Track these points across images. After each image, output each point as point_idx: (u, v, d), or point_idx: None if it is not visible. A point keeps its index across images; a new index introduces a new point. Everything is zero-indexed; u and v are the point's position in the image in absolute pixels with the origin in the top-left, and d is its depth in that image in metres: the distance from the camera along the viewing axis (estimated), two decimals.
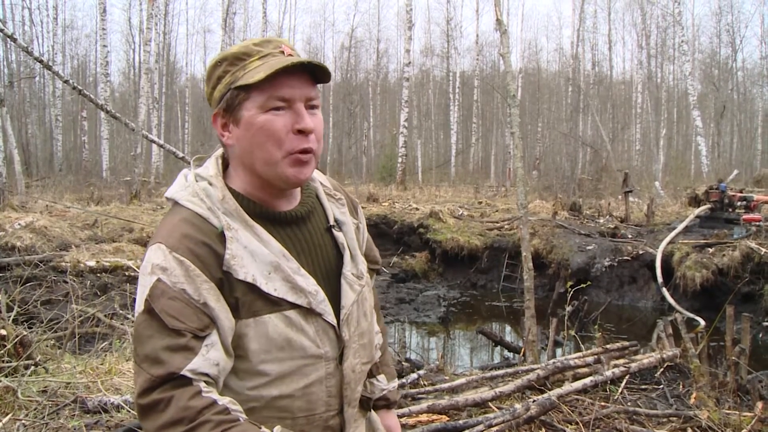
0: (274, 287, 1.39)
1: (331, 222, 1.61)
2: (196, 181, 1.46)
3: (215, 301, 1.33)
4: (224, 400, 1.29)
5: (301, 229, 1.52)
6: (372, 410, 1.80)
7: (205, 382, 1.29)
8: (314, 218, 1.57)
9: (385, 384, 1.84)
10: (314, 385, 1.46)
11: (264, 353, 1.38)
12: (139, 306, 1.34)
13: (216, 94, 1.46)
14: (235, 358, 1.38)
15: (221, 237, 1.38)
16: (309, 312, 1.44)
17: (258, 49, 1.44)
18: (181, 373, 1.26)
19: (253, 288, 1.38)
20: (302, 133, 1.42)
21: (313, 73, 1.46)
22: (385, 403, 1.85)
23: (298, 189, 1.57)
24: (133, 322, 1.41)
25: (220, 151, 1.55)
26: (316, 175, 1.67)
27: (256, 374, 1.40)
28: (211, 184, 1.45)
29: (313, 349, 1.44)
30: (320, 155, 1.50)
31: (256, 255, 1.40)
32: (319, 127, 1.47)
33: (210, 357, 1.30)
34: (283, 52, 1.45)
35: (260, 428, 1.28)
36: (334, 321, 1.48)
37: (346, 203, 1.70)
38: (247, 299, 1.37)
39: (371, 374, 1.80)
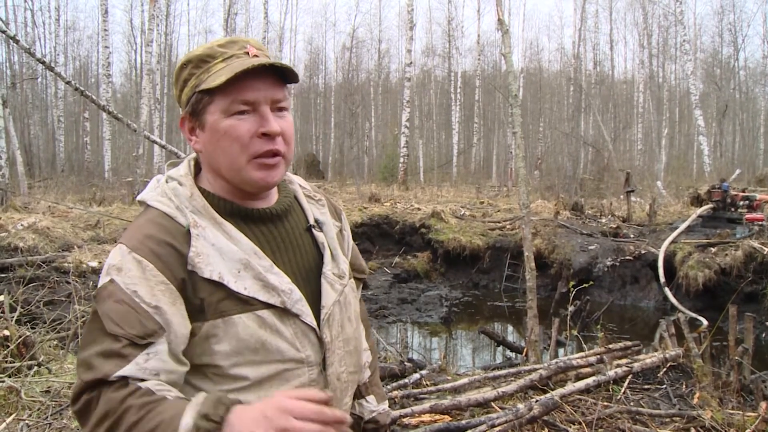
0: (244, 286, 1.35)
1: (311, 222, 1.57)
2: (167, 182, 1.45)
3: (170, 305, 1.29)
4: (150, 383, 1.24)
5: (277, 227, 1.49)
6: None
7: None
8: (292, 218, 1.54)
9: (375, 405, 1.78)
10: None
11: (236, 356, 1.34)
12: (91, 303, 1.32)
13: (183, 97, 1.45)
14: (203, 361, 1.34)
15: (187, 236, 1.35)
16: (284, 312, 1.38)
17: (222, 50, 1.41)
18: (110, 379, 1.23)
19: (220, 287, 1.33)
20: (267, 136, 1.39)
21: (282, 73, 1.42)
22: (374, 427, 1.77)
23: (275, 190, 1.55)
24: None
25: (194, 153, 1.53)
26: (295, 178, 1.66)
27: (230, 378, 1.35)
28: (180, 184, 1.43)
29: (292, 352, 1.39)
30: (291, 158, 1.48)
31: (224, 253, 1.35)
32: (287, 129, 1.43)
33: (148, 366, 1.25)
34: (248, 53, 1.42)
35: (188, 400, 1.21)
36: (313, 323, 1.43)
37: (327, 205, 1.67)
38: (213, 299, 1.33)
39: (360, 395, 1.74)
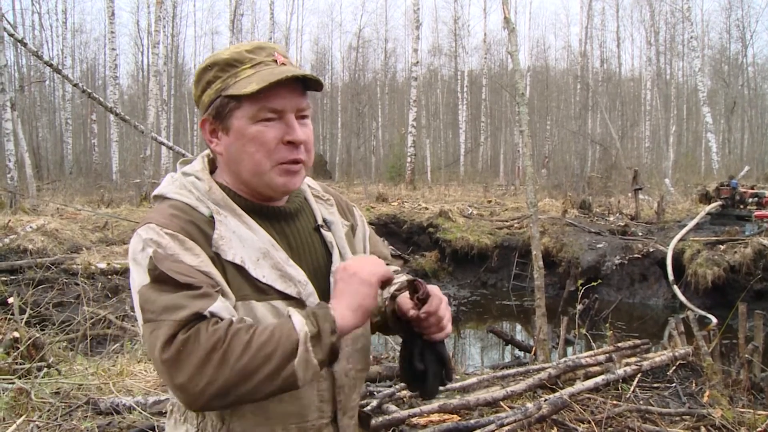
0: (262, 273, 1.37)
1: (320, 221, 1.59)
2: (184, 176, 1.46)
3: (215, 272, 1.31)
4: (236, 317, 1.27)
5: (289, 226, 1.51)
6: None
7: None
8: (302, 217, 1.56)
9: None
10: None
11: None
12: (143, 280, 1.28)
13: (205, 98, 1.45)
14: None
15: (210, 222, 1.37)
16: (298, 304, 1.39)
17: (250, 56, 1.42)
18: (205, 312, 1.22)
19: (241, 270, 1.36)
20: (292, 144, 1.41)
21: (304, 82, 1.44)
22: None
23: None
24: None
25: (206, 150, 1.55)
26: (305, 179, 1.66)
27: None
28: (198, 178, 1.45)
29: None
30: (311, 165, 1.49)
31: (245, 240, 1.38)
32: (309, 137, 1.45)
33: (228, 306, 1.27)
34: (275, 61, 1.44)
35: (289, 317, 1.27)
36: None
37: (335, 204, 1.68)
38: (236, 282, 1.35)
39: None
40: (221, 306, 1.25)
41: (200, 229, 1.35)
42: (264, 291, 1.37)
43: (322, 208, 1.63)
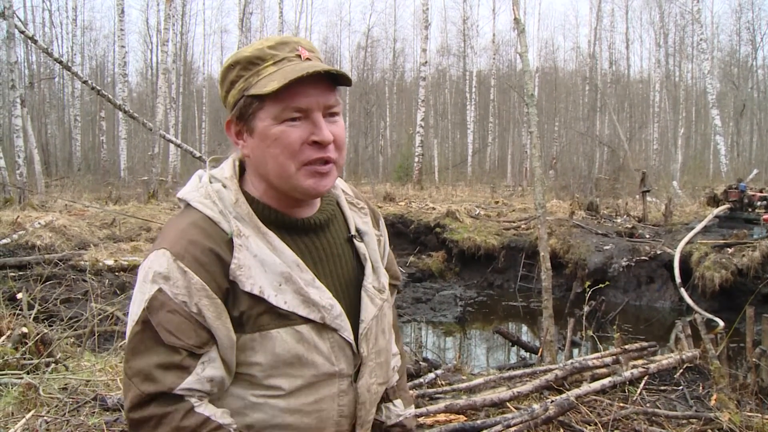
0: (284, 300, 1.32)
1: (353, 231, 1.53)
2: (210, 182, 1.40)
3: (215, 319, 1.27)
4: (217, 414, 1.27)
5: (319, 238, 1.45)
6: None
7: (198, 396, 1.27)
8: (334, 227, 1.50)
9: (402, 410, 1.73)
10: (325, 401, 1.38)
11: (271, 368, 1.32)
12: (135, 314, 1.28)
13: (230, 99, 1.39)
14: (239, 370, 1.33)
15: (230, 243, 1.31)
16: (323, 327, 1.36)
17: (273, 52, 1.35)
18: (174, 392, 1.24)
19: (260, 300, 1.30)
20: (319, 144, 1.34)
21: (333, 76, 1.36)
22: (400, 430, 1.72)
23: None
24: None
25: (237, 152, 1.47)
26: (338, 182, 1.58)
27: (265, 387, 1.34)
28: (225, 186, 1.39)
29: (327, 366, 1.37)
30: (343, 163, 1.43)
31: (267, 265, 1.32)
32: (339, 134, 1.38)
33: (205, 375, 1.27)
34: (299, 56, 1.36)
35: None
36: (350, 337, 1.41)
37: (369, 213, 1.62)
38: (253, 313, 1.30)
39: (387, 398, 1.71)
40: (193, 380, 1.26)
41: (218, 257, 1.30)
42: (287, 317, 1.32)
43: (356, 217, 1.57)
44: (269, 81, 1.31)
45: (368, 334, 1.46)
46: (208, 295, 1.27)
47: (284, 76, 1.30)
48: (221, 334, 1.28)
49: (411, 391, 4.29)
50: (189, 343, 1.25)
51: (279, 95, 1.30)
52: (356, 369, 1.44)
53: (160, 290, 1.26)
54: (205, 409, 1.27)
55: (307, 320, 1.34)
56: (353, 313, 1.44)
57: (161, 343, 1.25)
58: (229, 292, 1.30)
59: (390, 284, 1.63)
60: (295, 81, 1.28)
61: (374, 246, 1.56)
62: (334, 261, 1.46)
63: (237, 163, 1.46)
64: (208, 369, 1.27)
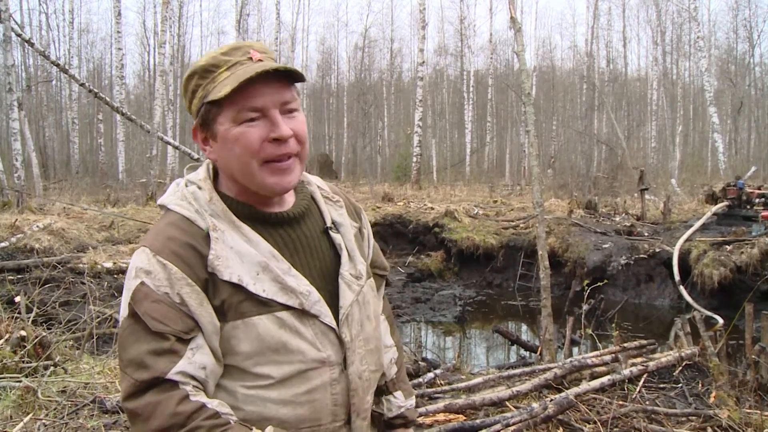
0: (262, 288, 1.36)
1: (328, 224, 1.57)
2: (186, 185, 1.46)
3: (197, 306, 1.32)
4: (213, 403, 1.29)
5: (294, 230, 1.49)
6: (389, 429, 1.75)
7: (192, 385, 1.29)
8: (309, 220, 1.54)
9: (403, 401, 1.77)
10: (318, 390, 1.42)
11: (257, 355, 1.36)
12: (124, 310, 1.33)
13: (193, 108, 1.45)
14: (227, 361, 1.36)
15: (207, 238, 1.37)
16: (303, 314, 1.40)
17: (225, 58, 1.40)
18: (167, 377, 1.26)
19: (239, 289, 1.35)
20: (278, 140, 1.39)
21: (288, 74, 1.41)
22: (402, 422, 1.77)
23: (292, 192, 1.55)
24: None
25: None
26: (313, 179, 1.65)
27: (254, 376, 1.37)
28: (199, 187, 1.44)
29: (313, 352, 1.41)
30: (306, 156, 1.47)
31: (243, 255, 1.37)
32: (299, 129, 1.43)
33: (196, 360, 1.30)
34: (251, 59, 1.41)
35: (251, 429, 1.29)
36: (332, 323, 1.45)
37: (345, 206, 1.66)
38: (233, 301, 1.34)
39: (387, 391, 1.75)
40: (185, 364, 1.29)
41: (196, 251, 1.35)
42: (266, 304, 1.37)
43: (331, 210, 1.61)
44: (223, 86, 1.36)
45: (349, 319, 1.50)
46: (189, 284, 1.32)
47: (236, 79, 1.35)
48: (205, 320, 1.32)
49: None
50: (176, 329, 1.29)
51: (234, 98, 1.35)
52: (344, 356, 1.47)
53: (142, 283, 1.32)
54: (201, 398, 1.29)
55: (286, 307, 1.38)
56: (334, 301, 1.48)
57: (149, 331, 1.29)
58: (209, 282, 1.34)
59: (378, 275, 1.72)
60: (246, 82, 1.34)
61: (350, 237, 1.59)
62: (310, 252, 1.50)
63: (211, 167, 1.52)
64: (198, 355, 1.31)
